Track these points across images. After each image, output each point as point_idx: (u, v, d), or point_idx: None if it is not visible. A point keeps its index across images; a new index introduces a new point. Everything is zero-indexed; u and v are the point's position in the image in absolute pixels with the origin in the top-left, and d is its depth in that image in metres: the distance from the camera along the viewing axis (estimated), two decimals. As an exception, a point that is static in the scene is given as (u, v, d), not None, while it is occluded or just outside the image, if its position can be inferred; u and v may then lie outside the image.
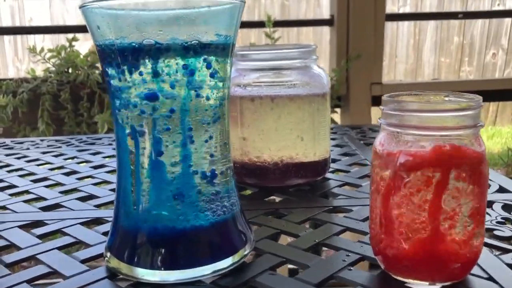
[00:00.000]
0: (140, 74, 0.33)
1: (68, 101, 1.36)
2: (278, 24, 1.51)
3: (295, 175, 0.55)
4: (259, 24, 1.56)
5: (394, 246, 0.33)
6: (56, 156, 0.76)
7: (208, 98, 0.35)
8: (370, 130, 0.87)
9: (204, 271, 0.35)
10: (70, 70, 1.41)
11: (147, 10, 0.33)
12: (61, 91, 1.36)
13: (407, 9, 3.66)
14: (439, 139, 0.31)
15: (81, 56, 1.41)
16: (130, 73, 0.34)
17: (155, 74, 0.33)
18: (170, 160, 0.34)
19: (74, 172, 0.66)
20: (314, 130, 0.54)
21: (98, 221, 0.48)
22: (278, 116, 0.53)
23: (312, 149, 0.55)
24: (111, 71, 0.35)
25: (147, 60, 0.33)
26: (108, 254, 0.38)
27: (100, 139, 0.89)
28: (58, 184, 0.61)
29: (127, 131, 0.35)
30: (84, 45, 1.58)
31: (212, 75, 0.35)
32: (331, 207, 0.49)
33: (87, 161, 0.72)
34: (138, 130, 0.35)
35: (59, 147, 0.83)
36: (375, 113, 1.61)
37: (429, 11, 3.64)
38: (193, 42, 0.33)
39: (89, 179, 0.63)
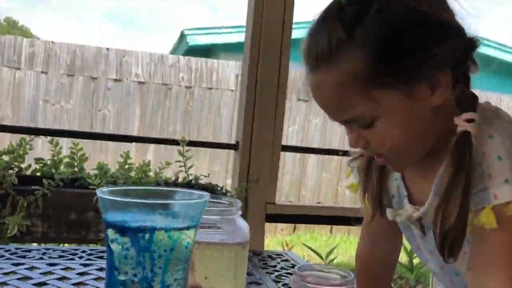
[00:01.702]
0: (136, 244, 0.49)
1: (-21, 201, 1.39)
2: (191, 144, 1.70)
3: (218, 305, 0.70)
4: (173, 142, 1.73)
5: None
6: (-7, 269, 0.83)
7: (181, 257, 0.51)
8: (269, 257, 1.06)
9: None
10: (-17, 169, 1.45)
11: (148, 204, 0.49)
12: (-28, 190, 1.38)
13: (295, 129, 4.10)
14: (329, 302, 0.50)
15: (-1, 157, 1.46)
16: (129, 244, 0.49)
17: (148, 244, 0.49)
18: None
19: (18, 290, 0.75)
20: (236, 270, 0.71)
21: None
22: (207, 257, 0.69)
23: (233, 284, 0.71)
24: (111, 238, 0.49)
25: (142, 235, 0.48)
26: None
27: (29, 251, 0.97)
28: (9, 302, 0.70)
29: (119, 280, 0.49)
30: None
31: (186, 246, 0.51)
32: (247, 334, 0.65)
33: (27, 277, 0.81)
34: (128, 279, 0.49)
35: (-10, 258, 0.90)
36: (267, 225, 1.81)
37: (317, 147, 4.06)
38: (175, 225, 0.49)
39: (37, 298, 0.72)
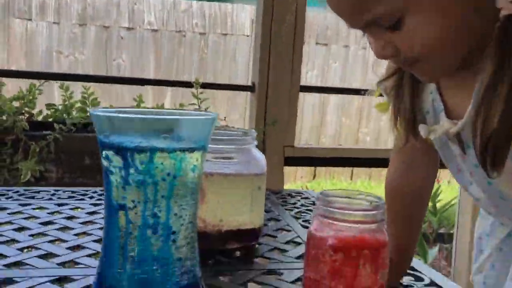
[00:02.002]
0: (136, 167, 0.43)
1: (-9, 146, 1.36)
2: (205, 86, 1.64)
3: (234, 240, 0.65)
4: (187, 84, 1.67)
5: (322, 306, 0.45)
6: (-1, 210, 0.80)
7: (188, 185, 0.45)
8: (289, 195, 1.00)
9: (175, 326, 0.44)
10: (-7, 115, 1.41)
11: (146, 119, 0.43)
12: (-17, 136, 1.35)
13: (314, 74, 3.99)
14: (356, 229, 0.44)
15: (8, 102, 1.42)
16: (126, 165, 0.43)
17: (148, 167, 0.43)
18: (155, 233, 0.44)
19: (24, 228, 0.71)
20: (252, 204, 0.66)
21: (66, 280, 0.55)
22: (221, 190, 0.64)
23: (249, 219, 0.66)
24: (108, 161, 0.44)
25: (141, 157, 0.43)
26: (90, 311, 0.45)
27: (38, 192, 0.93)
28: (13, 240, 0.66)
29: (118, 207, 0.44)
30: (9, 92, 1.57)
31: (193, 169, 0.45)
32: (265, 270, 0.60)
33: (33, 217, 0.77)
34: (129, 208, 0.44)
35: (-2, 199, 0.86)
36: (286, 172, 1.76)
37: (337, 86, 3.95)
38: (181, 145, 0.43)
39: (43, 236, 0.68)
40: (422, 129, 0.53)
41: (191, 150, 0.44)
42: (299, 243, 0.70)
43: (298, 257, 0.65)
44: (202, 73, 3.79)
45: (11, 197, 0.89)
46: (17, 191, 0.93)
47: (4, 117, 1.39)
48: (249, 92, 1.72)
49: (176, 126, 0.44)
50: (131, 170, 0.43)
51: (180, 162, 0.44)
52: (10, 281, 0.53)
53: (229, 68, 3.88)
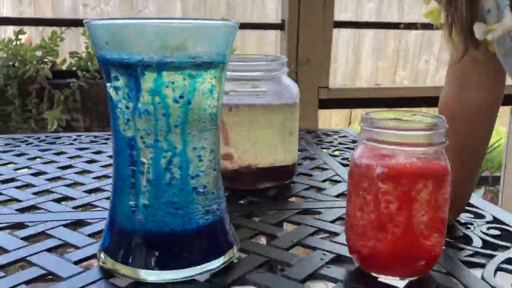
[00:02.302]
0: (141, 89, 0.36)
1: (16, 96, 1.32)
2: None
3: (265, 179, 0.59)
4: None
5: (369, 246, 0.38)
6: (18, 155, 0.75)
7: (205, 111, 0.38)
8: (325, 134, 0.92)
9: (198, 270, 0.38)
10: (16, 64, 1.37)
11: (149, 25, 0.35)
12: (7, 86, 1.32)
13: (348, 15, 3.80)
14: (411, 154, 0.36)
15: (30, 51, 1.37)
16: (131, 87, 0.36)
17: (156, 88, 0.36)
18: (169, 167, 0.37)
19: (42, 173, 0.66)
20: (284, 138, 0.58)
21: (80, 223, 0.49)
22: (250, 124, 0.57)
23: (282, 155, 0.59)
24: (112, 84, 0.37)
25: (148, 75, 0.35)
26: (103, 255, 0.40)
27: (59, 138, 0.88)
28: (29, 185, 0.61)
29: (128, 140, 0.37)
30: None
31: (210, 91, 0.38)
32: (301, 209, 0.53)
33: (52, 161, 0.72)
34: (139, 140, 0.37)
35: (18, 146, 0.82)
36: (322, 116, 1.68)
37: (372, 21, 3.78)
38: (194, 59, 0.36)
39: (60, 180, 0.64)
40: (478, 29, 0.43)
41: (207, 66, 0.37)
42: (338, 181, 0.63)
43: (338, 196, 0.58)
44: (230, 19, 3.66)
45: (31, 143, 0.84)
46: (38, 138, 0.89)
47: (27, 67, 1.35)
48: (279, 31, 1.62)
49: (188, 35, 0.36)
50: (137, 93, 0.36)
51: (194, 82, 0.36)
52: (21, 225, 0.49)
53: (259, 14, 3.73)
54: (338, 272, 0.39)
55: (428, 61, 4.00)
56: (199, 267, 0.38)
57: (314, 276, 0.39)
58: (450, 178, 0.37)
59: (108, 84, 0.37)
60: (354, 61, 3.90)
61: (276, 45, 1.74)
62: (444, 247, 0.39)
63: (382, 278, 0.38)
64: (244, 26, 1.74)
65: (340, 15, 3.68)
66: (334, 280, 0.38)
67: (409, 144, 0.36)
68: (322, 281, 0.39)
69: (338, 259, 0.42)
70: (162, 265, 0.38)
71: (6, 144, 0.83)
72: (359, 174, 0.38)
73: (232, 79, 0.58)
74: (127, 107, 0.37)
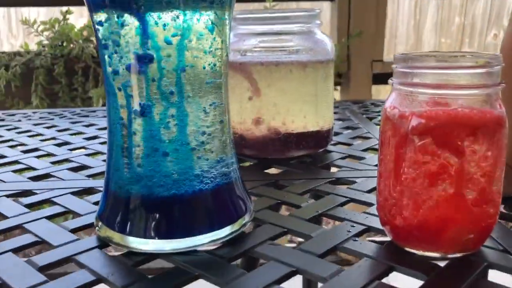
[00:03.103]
0: (131, 27, 0.31)
1: (62, 75, 1.33)
2: (278, -2, 1.47)
3: (296, 146, 0.52)
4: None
5: (403, 215, 0.31)
6: (48, 127, 0.74)
7: (206, 56, 0.32)
8: (373, 105, 0.84)
9: (201, 240, 0.33)
10: (64, 44, 1.38)
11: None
12: (55, 65, 1.32)
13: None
14: (455, 99, 0.29)
15: (76, 30, 1.37)
16: (121, 26, 0.31)
17: (148, 28, 0.31)
18: (165, 121, 0.32)
19: (66, 143, 0.64)
20: (317, 99, 0.52)
21: (89, 191, 0.46)
22: (278, 84, 0.51)
23: (315, 119, 0.52)
24: (100, 24, 0.32)
25: (139, 12, 0.30)
26: (99, 223, 0.36)
27: (94, 111, 0.86)
28: (49, 154, 0.59)
29: (118, 90, 0.33)
30: (80, 20, 1.54)
31: (210, 31, 0.32)
32: (334, 179, 0.47)
33: (80, 133, 0.70)
34: (130, 89, 0.32)
35: (52, 119, 0.81)
36: (376, 91, 1.58)
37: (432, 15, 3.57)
38: (189, -8, 0.30)
39: (82, 150, 0.61)
40: None
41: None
42: (381, 150, 0.56)
43: (379, 165, 0.50)
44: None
45: (64, 116, 0.83)
46: (73, 111, 0.87)
47: (72, 45, 1.35)
48: (329, 2, 1.53)
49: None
50: (123, 32, 0.31)
51: (188, 19, 0.31)
52: (29, 192, 0.46)
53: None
54: (367, 246, 0.33)
55: (498, 35, 3.74)
56: (201, 237, 0.33)
57: (337, 250, 0.33)
58: (506, 130, 0.30)
59: (96, 25, 0.33)
60: (415, 37, 3.70)
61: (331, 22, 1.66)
62: (499, 220, 0.32)
63: (420, 254, 0.31)
64: (292, -2, 1.66)
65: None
66: (360, 255, 0.32)
67: (454, 87, 0.29)
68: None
69: (369, 232, 0.35)
70: (158, 234, 0.33)
71: (41, 118, 0.82)
72: (391, 129, 0.31)
73: (259, 33, 0.52)
74: (113, 53, 0.32)
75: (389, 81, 0.32)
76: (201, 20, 0.31)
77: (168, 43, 0.31)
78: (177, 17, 0.30)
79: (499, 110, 0.29)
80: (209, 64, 0.33)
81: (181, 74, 0.32)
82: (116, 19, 0.31)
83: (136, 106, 0.32)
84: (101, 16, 0.32)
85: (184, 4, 0.30)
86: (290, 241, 1.48)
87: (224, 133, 0.35)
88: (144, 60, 0.31)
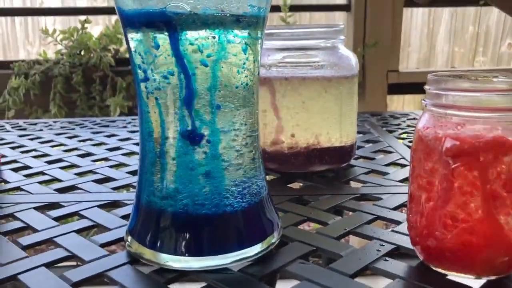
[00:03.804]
0: (166, 48, 0.31)
1: (81, 84, 1.34)
2: (294, 8, 1.48)
3: (319, 161, 0.52)
4: (274, 8, 1.52)
5: (436, 236, 0.31)
6: (70, 137, 0.74)
7: (239, 75, 0.33)
8: (392, 117, 0.84)
9: (231, 258, 0.33)
10: (82, 53, 1.39)
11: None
12: (73, 74, 1.34)
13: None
14: (490, 122, 0.29)
15: (94, 39, 1.39)
16: (155, 45, 0.31)
17: (182, 46, 0.31)
18: (194, 139, 0.32)
19: (89, 154, 0.65)
20: (341, 114, 0.52)
21: (116, 204, 0.46)
22: (303, 99, 0.51)
23: (338, 134, 0.52)
24: (134, 42, 0.33)
25: (174, 31, 0.31)
26: (129, 238, 0.36)
27: (114, 121, 0.87)
28: (73, 166, 0.60)
29: (152, 107, 0.33)
30: (95, 28, 1.56)
31: (244, 50, 0.32)
32: (358, 195, 0.47)
33: (102, 143, 0.70)
34: (164, 107, 0.33)
35: (73, 129, 0.82)
36: (389, 100, 1.58)
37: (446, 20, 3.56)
38: (225, 12, 0.31)
39: (105, 161, 0.61)
40: None
41: (240, 19, 0.32)
42: (405, 165, 0.56)
43: (403, 181, 0.51)
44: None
45: (85, 126, 0.84)
46: (94, 121, 0.88)
47: (90, 54, 1.37)
48: (345, 12, 1.53)
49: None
50: (154, 51, 0.31)
51: (223, 39, 0.31)
52: (56, 205, 0.46)
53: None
54: (398, 266, 0.33)
55: (512, 44, 3.71)
56: (231, 255, 0.33)
57: (368, 270, 0.33)
58: (543, 153, 0.30)
59: (130, 42, 0.33)
60: (428, 46, 3.69)
61: (346, 30, 1.66)
62: (533, 241, 0.31)
63: (452, 276, 0.31)
64: (309, 8, 1.67)
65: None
66: (391, 276, 0.32)
67: (489, 109, 0.29)
68: (377, 277, 0.32)
69: (398, 252, 0.35)
70: (189, 251, 0.33)
71: (62, 127, 0.83)
72: (424, 149, 0.31)
73: (283, 48, 0.52)
74: (143, 73, 0.32)
75: (422, 102, 0.32)
76: (235, 40, 0.32)
77: (204, 64, 0.31)
78: (213, 37, 0.31)
79: (534, 133, 0.29)
80: (242, 83, 0.33)
81: (215, 93, 0.32)
82: (151, 40, 0.31)
83: (170, 124, 0.32)
84: (136, 36, 0.32)
85: (220, 25, 0.31)
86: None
87: (255, 150, 0.35)
88: (179, 75, 0.32)
